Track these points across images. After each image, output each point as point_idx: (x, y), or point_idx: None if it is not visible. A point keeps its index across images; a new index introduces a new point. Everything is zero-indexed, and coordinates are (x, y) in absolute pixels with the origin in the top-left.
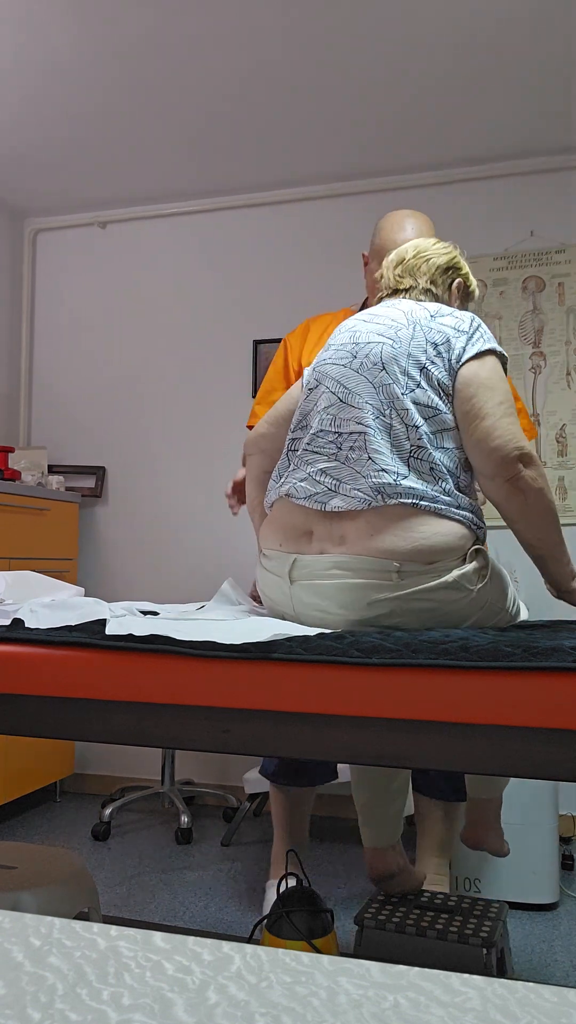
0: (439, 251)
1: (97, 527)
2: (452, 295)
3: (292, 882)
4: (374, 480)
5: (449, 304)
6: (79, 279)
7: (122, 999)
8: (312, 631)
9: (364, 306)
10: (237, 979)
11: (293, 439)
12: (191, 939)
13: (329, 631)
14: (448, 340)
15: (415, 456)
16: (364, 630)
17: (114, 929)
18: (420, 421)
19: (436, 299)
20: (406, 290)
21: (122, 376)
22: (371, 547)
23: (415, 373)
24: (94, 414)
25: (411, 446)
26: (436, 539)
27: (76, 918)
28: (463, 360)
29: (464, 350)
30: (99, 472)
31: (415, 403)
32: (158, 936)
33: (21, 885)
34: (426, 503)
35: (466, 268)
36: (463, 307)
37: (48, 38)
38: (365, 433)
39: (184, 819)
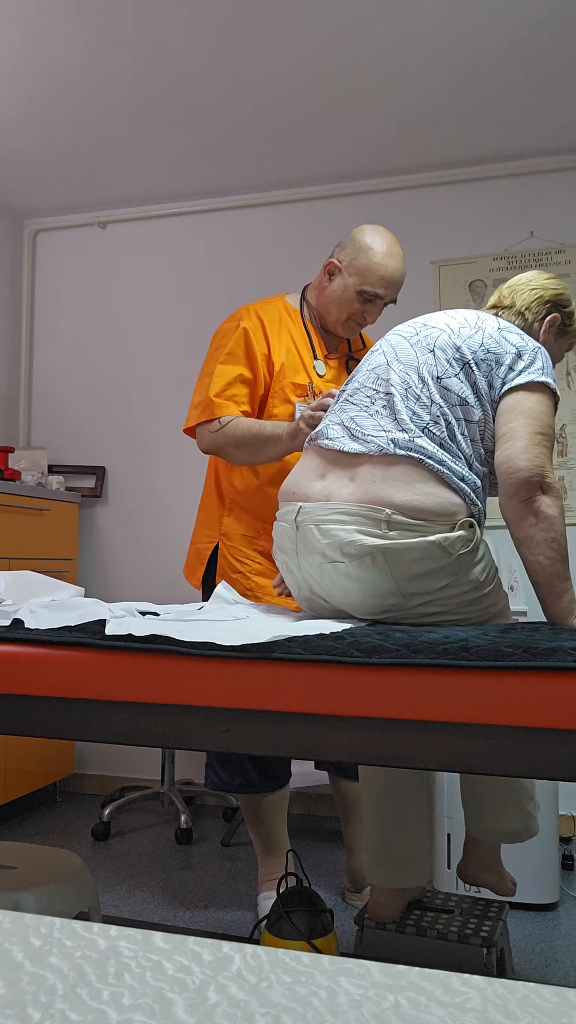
0: (548, 286)
1: (97, 527)
2: (543, 326)
3: (292, 882)
4: (392, 434)
5: (539, 334)
6: (79, 279)
7: (122, 999)
8: (312, 631)
9: (303, 295)
10: (237, 979)
11: (341, 391)
12: (191, 939)
13: (328, 632)
14: (503, 353)
15: (433, 426)
16: (364, 630)
17: (114, 929)
18: (444, 404)
19: (526, 323)
20: (504, 307)
21: (122, 376)
22: (371, 493)
23: (456, 365)
24: (94, 414)
25: (430, 418)
26: (430, 500)
27: (76, 918)
28: (512, 383)
29: (514, 370)
30: (99, 472)
31: (446, 388)
32: (158, 936)
33: (21, 885)
34: (432, 463)
35: (572, 307)
36: (556, 342)
37: (49, 41)
38: (396, 396)
39: (184, 819)
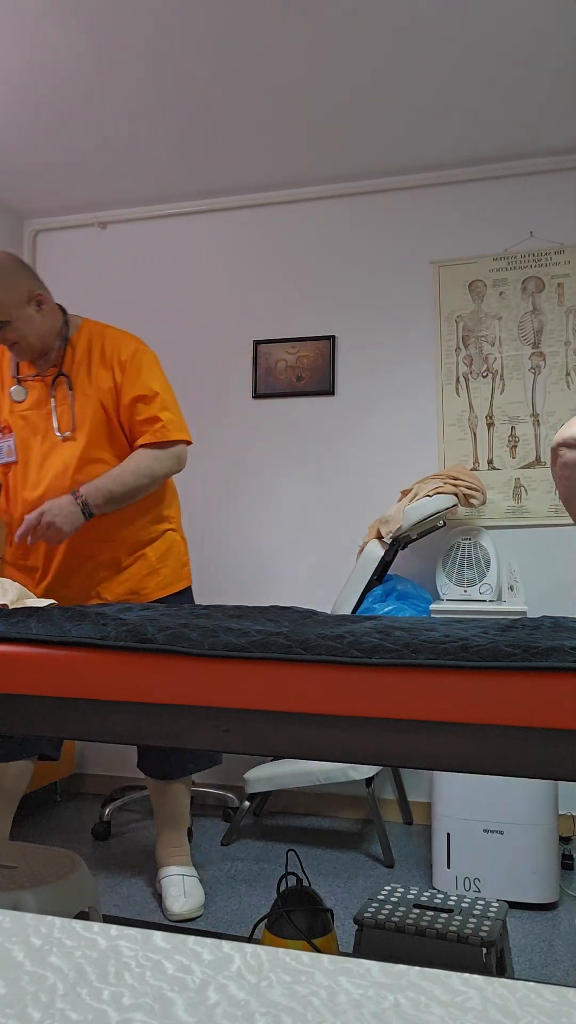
0: None
1: None
2: None
3: (292, 881)
4: None
5: None
6: (79, 279)
7: (122, 999)
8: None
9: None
10: (237, 979)
11: None
12: (191, 939)
13: (329, 632)
14: None
15: None
16: (363, 628)
17: (114, 929)
18: None
19: None
20: None
21: None
22: None
23: None
24: None
25: None
26: None
27: (76, 918)
28: None
29: None
30: None
31: None
32: (158, 936)
33: (21, 885)
34: None
35: None
36: None
37: (49, 42)
38: None
39: None
